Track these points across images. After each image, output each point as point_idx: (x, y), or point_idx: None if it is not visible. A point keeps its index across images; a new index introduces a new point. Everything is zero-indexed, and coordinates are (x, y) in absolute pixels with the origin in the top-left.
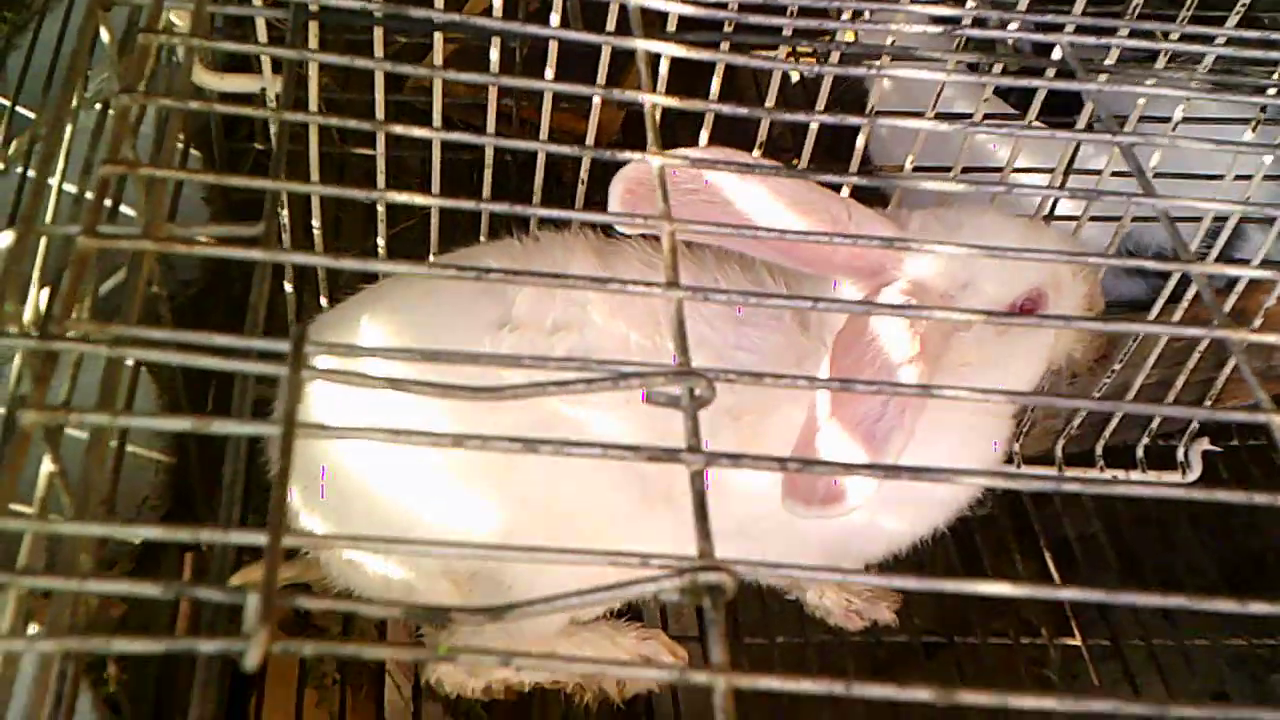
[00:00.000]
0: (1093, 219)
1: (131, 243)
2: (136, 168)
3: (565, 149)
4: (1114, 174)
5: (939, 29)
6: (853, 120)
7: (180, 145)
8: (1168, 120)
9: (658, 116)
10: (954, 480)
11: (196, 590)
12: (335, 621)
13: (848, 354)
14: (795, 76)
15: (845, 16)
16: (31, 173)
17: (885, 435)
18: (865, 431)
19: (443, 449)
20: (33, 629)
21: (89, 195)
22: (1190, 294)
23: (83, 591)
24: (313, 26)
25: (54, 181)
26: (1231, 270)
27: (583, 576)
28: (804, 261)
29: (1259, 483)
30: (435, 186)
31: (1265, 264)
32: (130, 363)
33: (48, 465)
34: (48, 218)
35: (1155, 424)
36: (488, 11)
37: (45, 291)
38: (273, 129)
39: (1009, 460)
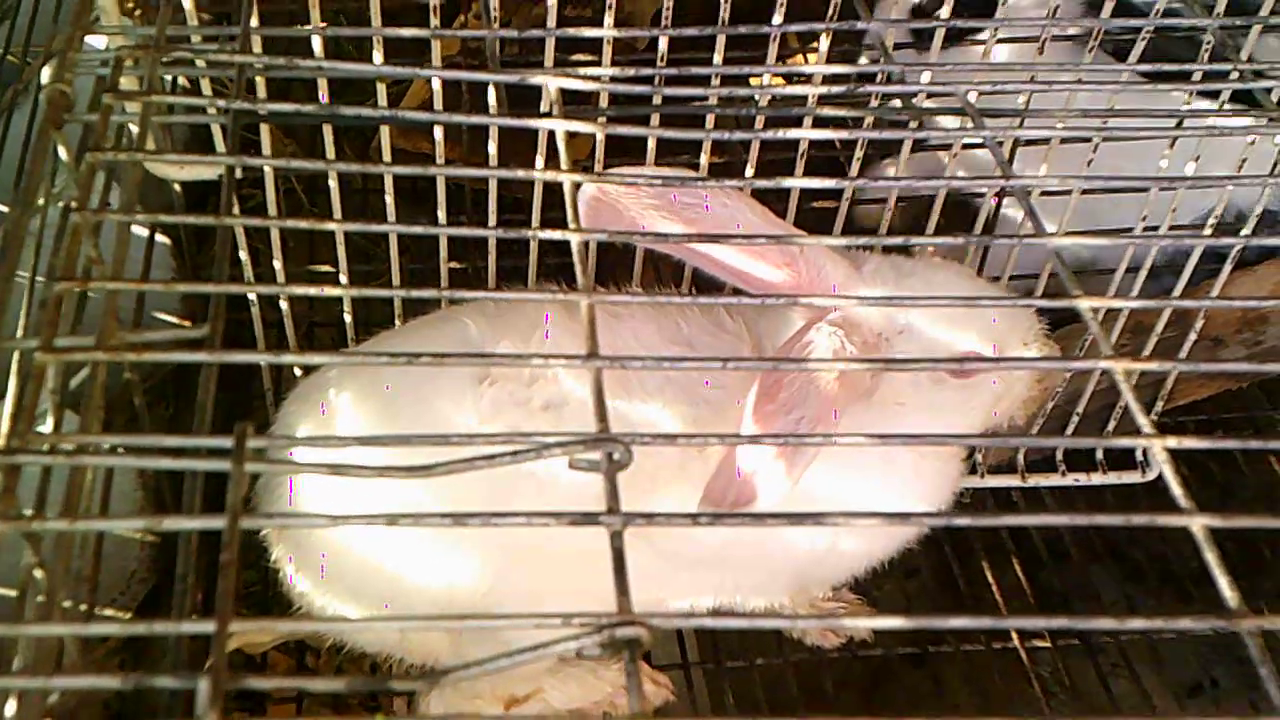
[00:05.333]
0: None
1: (85, 354)
2: (88, 284)
3: (512, 233)
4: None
5: (843, 88)
6: (762, 183)
7: (145, 231)
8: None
9: (575, 195)
10: (851, 523)
11: (153, 680)
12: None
13: (772, 374)
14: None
15: (766, 80)
16: None
17: (796, 448)
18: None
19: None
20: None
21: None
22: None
23: (47, 689)
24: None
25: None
26: (1115, 303)
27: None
28: (755, 288)
29: (1215, 475)
30: (395, 276)
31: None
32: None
33: (29, 557)
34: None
35: (1111, 426)
36: (430, 98)
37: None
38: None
39: (973, 470)
